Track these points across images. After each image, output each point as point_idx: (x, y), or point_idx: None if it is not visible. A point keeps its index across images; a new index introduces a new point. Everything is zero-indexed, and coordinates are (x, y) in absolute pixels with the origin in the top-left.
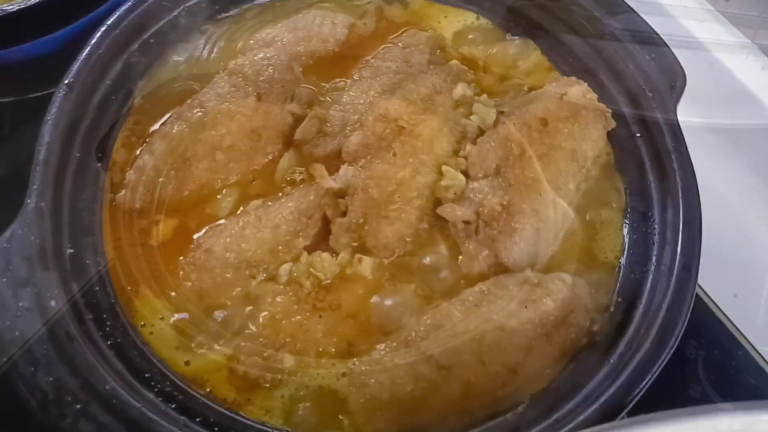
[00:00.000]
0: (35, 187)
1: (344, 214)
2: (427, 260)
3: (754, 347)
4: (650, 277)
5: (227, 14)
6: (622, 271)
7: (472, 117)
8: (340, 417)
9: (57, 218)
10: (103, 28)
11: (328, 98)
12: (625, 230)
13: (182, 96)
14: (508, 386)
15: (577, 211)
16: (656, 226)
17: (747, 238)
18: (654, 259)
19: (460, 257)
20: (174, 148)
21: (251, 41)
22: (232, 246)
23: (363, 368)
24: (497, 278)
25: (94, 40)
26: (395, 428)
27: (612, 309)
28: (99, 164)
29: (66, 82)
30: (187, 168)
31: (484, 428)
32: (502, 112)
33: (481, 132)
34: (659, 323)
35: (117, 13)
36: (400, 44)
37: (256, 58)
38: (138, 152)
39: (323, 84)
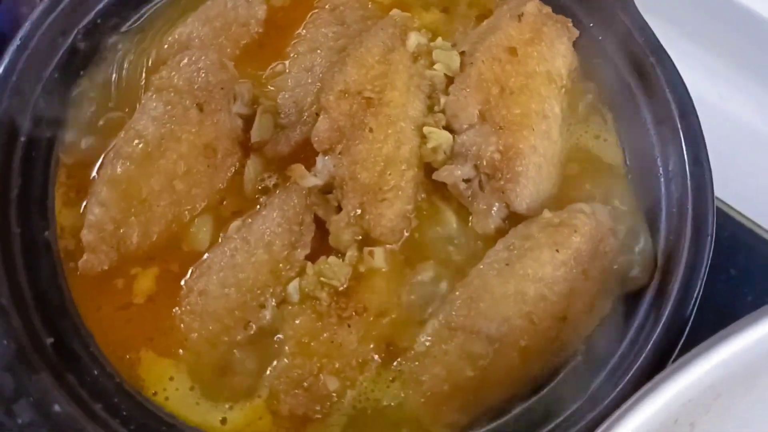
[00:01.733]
0: None
1: (338, 209)
2: (438, 232)
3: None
4: (662, 180)
5: (129, 24)
6: (631, 183)
7: (436, 66)
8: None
9: (23, 311)
10: None
11: (270, 87)
12: (620, 140)
13: (111, 130)
14: (562, 337)
15: (567, 133)
16: (650, 126)
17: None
18: (659, 160)
19: (471, 218)
20: (125, 192)
21: (165, 46)
22: (228, 279)
23: (412, 366)
24: (516, 230)
25: None
26: (467, 417)
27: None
28: (46, 233)
29: None
30: (147, 209)
31: (554, 385)
32: (462, 53)
33: (450, 80)
34: (690, 225)
35: (6, 58)
36: (327, 7)
37: (181, 65)
38: (83, 207)
39: (260, 73)
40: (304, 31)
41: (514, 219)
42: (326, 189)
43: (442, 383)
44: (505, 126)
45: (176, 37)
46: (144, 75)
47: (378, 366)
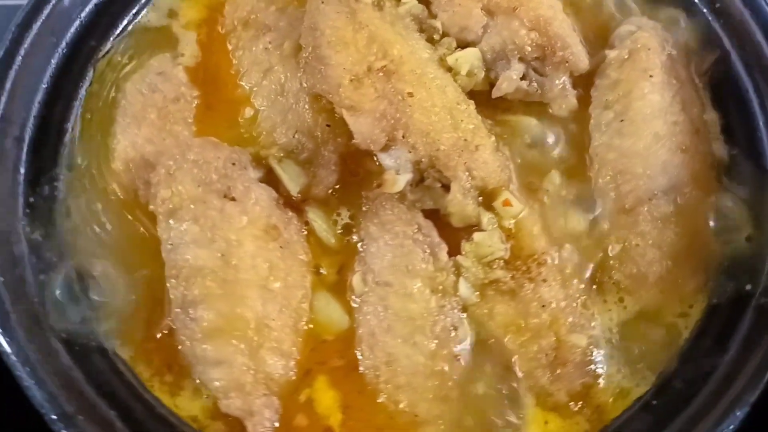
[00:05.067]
0: None
1: (445, 188)
2: (529, 142)
3: None
4: None
5: (63, 175)
6: None
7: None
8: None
9: None
10: None
11: (260, 133)
12: None
13: (150, 289)
14: (709, 147)
15: None
16: None
17: None
18: None
19: (550, 107)
20: (231, 332)
21: (121, 174)
22: (402, 330)
23: (624, 270)
24: (597, 87)
25: None
26: (702, 273)
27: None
28: None
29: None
30: (266, 331)
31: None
32: None
33: (426, 1)
34: None
35: None
36: (237, 26)
37: (173, 173)
38: (198, 382)
39: (234, 131)
40: (237, 61)
41: (585, 81)
42: (418, 179)
43: (662, 262)
44: (516, 3)
45: (123, 156)
46: (129, 214)
47: (597, 294)
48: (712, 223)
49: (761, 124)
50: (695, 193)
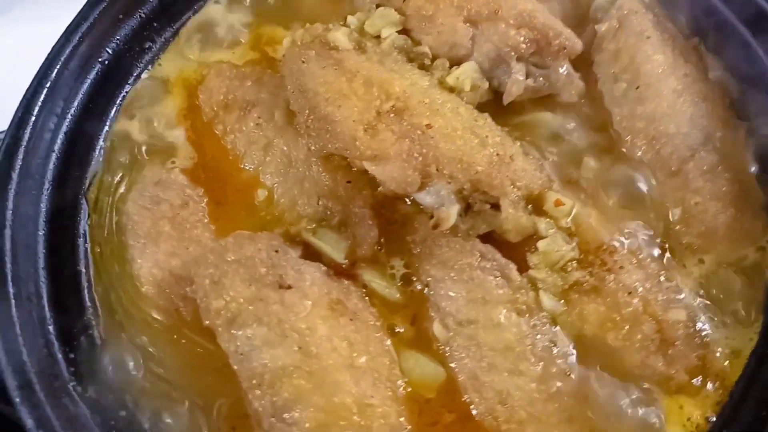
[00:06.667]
0: None
1: (495, 207)
2: (547, 136)
3: None
4: None
5: (90, 318)
6: None
7: (383, 35)
8: None
9: None
10: None
11: (282, 211)
12: None
13: (231, 410)
14: (723, 95)
15: None
16: None
17: None
18: None
19: (558, 97)
20: (334, 422)
21: (154, 297)
22: (504, 362)
23: (692, 231)
24: (599, 64)
25: None
26: (763, 210)
27: None
28: None
29: None
30: (370, 415)
31: None
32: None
33: (406, 31)
34: None
35: None
36: (218, 110)
37: (217, 279)
38: None
39: (253, 216)
40: (231, 146)
41: (584, 59)
42: (464, 207)
43: (726, 211)
44: (495, 7)
45: (150, 279)
46: (180, 337)
47: (675, 263)
48: (749, 158)
49: (760, 51)
50: (728, 136)
